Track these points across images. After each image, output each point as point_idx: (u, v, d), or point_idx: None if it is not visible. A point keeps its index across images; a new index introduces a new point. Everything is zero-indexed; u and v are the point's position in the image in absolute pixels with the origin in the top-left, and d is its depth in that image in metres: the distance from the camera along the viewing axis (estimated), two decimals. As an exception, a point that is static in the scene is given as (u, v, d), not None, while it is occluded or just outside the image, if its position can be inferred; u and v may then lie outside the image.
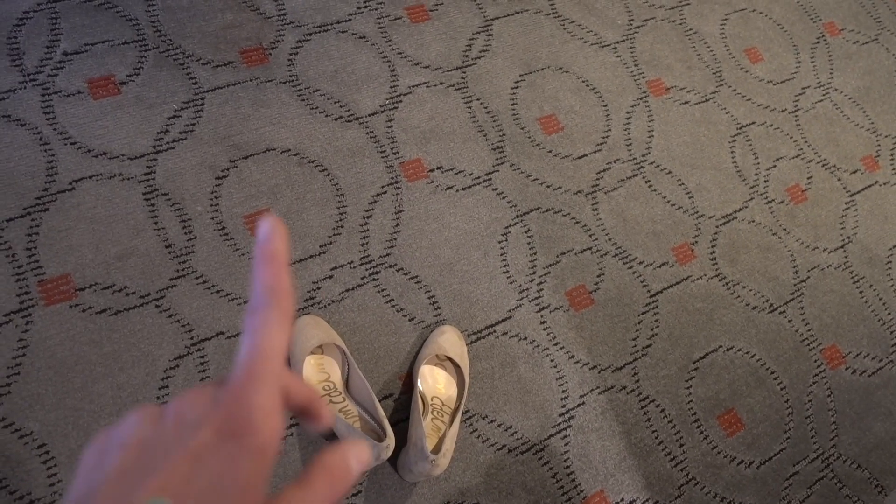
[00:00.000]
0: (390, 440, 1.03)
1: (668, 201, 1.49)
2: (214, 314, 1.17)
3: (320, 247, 1.26)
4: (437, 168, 1.38)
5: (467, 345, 1.26)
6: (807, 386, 1.41)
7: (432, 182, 1.37)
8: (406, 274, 1.28)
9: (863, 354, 1.47)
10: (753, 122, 1.64)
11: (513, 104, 1.48)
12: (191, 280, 1.18)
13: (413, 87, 1.44)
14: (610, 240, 1.42)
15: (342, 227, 1.29)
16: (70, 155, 1.20)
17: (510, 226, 1.37)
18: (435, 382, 1.20)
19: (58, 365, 1.08)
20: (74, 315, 1.11)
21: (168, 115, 1.28)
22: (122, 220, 1.19)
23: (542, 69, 1.54)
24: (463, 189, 1.38)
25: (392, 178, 1.35)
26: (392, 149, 1.37)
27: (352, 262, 1.27)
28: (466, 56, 1.50)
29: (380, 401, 1.19)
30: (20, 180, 1.17)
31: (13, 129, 1.19)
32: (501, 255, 1.35)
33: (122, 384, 1.09)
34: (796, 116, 1.69)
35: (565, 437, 1.25)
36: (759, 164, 1.60)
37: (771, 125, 1.65)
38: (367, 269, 1.27)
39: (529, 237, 1.37)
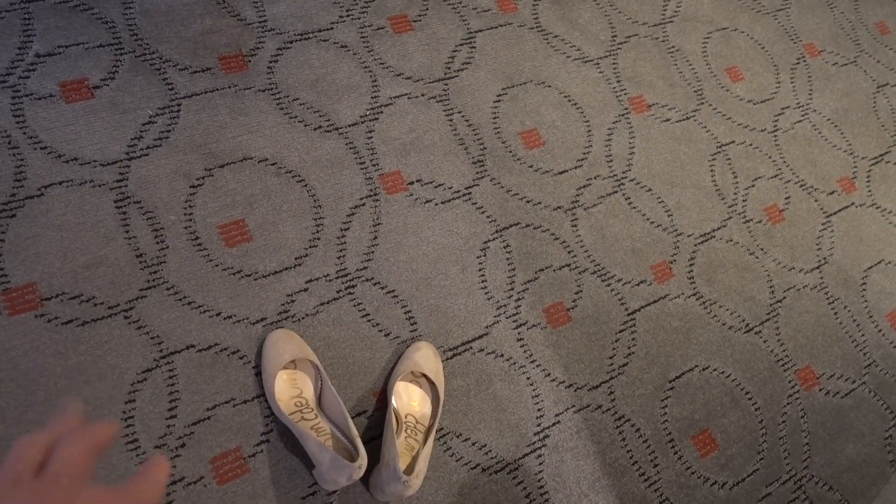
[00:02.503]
0: (363, 460, 1.01)
1: (648, 219, 1.49)
2: (185, 326, 1.14)
3: (296, 259, 1.24)
4: (417, 181, 1.37)
5: (443, 361, 1.25)
6: (781, 407, 1.41)
7: (411, 195, 1.35)
8: (383, 288, 1.27)
9: (836, 376, 1.48)
10: (733, 142, 1.64)
11: (494, 118, 1.47)
12: (161, 291, 1.15)
13: (394, 98, 1.42)
14: (589, 257, 1.41)
15: (319, 239, 1.27)
16: (39, 160, 1.17)
17: (489, 241, 1.36)
18: (409, 399, 1.18)
19: (20, 377, 1.05)
20: (39, 325, 1.08)
21: (143, 120, 1.25)
22: (92, 228, 1.16)
23: (525, 83, 1.53)
24: (442, 203, 1.36)
25: (371, 190, 1.33)
26: (371, 160, 1.35)
27: (327, 275, 1.25)
28: (449, 68, 1.49)
29: (353, 417, 1.17)
30: (-14, 185, 1.13)
31: (-19, 132, 1.16)
32: (480, 270, 1.33)
33: (88, 398, 1.06)
34: (775, 136, 1.70)
35: (540, 456, 1.23)
36: (737, 183, 1.60)
37: (750, 145, 1.66)
38: (343, 283, 1.25)
39: (508, 253, 1.36)
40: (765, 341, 1.46)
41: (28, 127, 1.19)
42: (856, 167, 1.74)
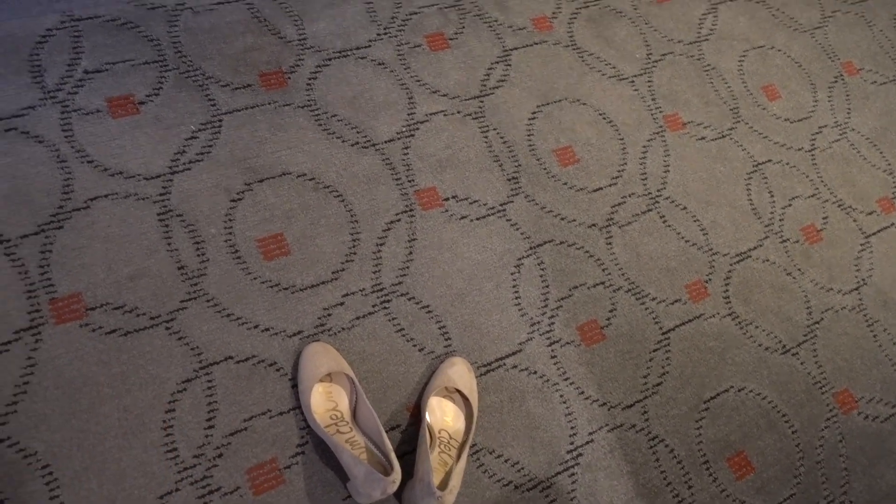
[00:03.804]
0: (396, 475, 1.02)
1: (683, 237, 1.48)
2: (224, 338, 1.16)
3: (332, 273, 1.25)
4: (452, 197, 1.38)
5: (476, 377, 1.25)
6: (818, 430, 1.39)
7: (447, 211, 1.36)
8: (417, 303, 1.28)
9: (875, 399, 1.45)
10: (770, 160, 1.63)
11: (529, 135, 1.48)
12: (202, 303, 1.17)
13: (430, 114, 1.44)
14: (623, 275, 1.41)
15: (355, 253, 1.28)
16: (86, 173, 1.21)
17: (523, 258, 1.37)
18: (443, 415, 1.19)
19: (65, 385, 1.07)
20: (84, 335, 1.11)
21: (185, 136, 1.28)
22: (136, 241, 1.18)
23: (560, 101, 1.54)
24: (477, 219, 1.37)
25: (406, 205, 1.34)
26: (407, 176, 1.37)
27: (363, 289, 1.26)
28: (484, 85, 1.50)
29: (387, 431, 1.17)
30: (36, 197, 1.17)
31: (31, 146, 1.19)
32: (514, 286, 1.34)
33: (129, 406, 1.09)
34: (813, 155, 1.68)
35: (573, 474, 1.23)
36: (774, 202, 1.59)
37: (787, 163, 1.64)
38: (378, 297, 1.26)
39: (542, 270, 1.37)
40: (802, 363, 1.44)
41: (76, 141, 1.22)
42: (895, 187, 1.71)
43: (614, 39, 1.65)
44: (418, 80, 1.46)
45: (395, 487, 1.01)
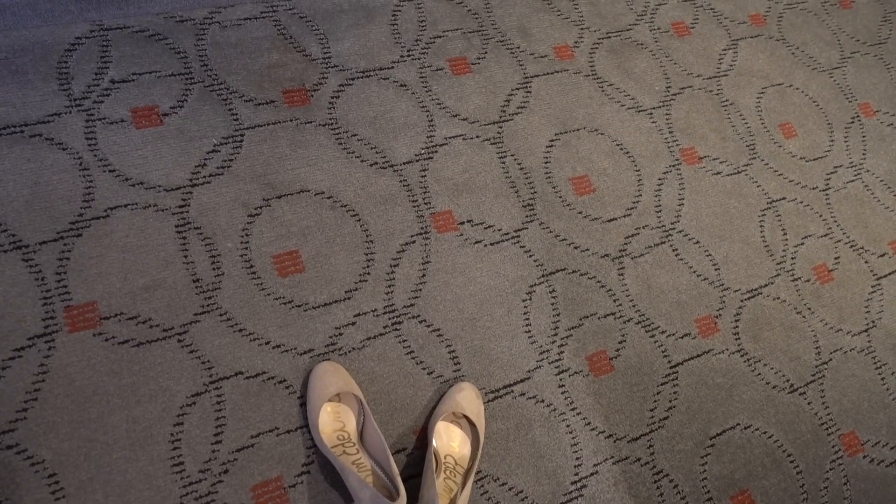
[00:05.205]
0: (402, 500, 1.01)
1: (694, 271, 1.48)
2: (235, 353, 1.17)
3: (345, 292, 1.26)
4: (468, 221, 1.38)
5: (484, 403, 1.25)
6: (823, 472, 1.39)
7: (461, 235, 1.37)
8: (428, 326, 1.28)
9: (882, 443, 1.45)
10: (784, 198, 1.64)
11: (546, 162, 1.49)
12: (215, 317, 1.18)
13: (449, 138, 1.45)
14: (634, 306, 1.41)
15: (369, 273, 1.29)
16: (107, 182, 1.22)
17: (535, 285, 1.37)
18: (450, 440, 1.19)
19: (76, 393, 1.08)
20: (97, 344, 1.11)
21: (207, 149, 1.29)
22: (153, 252, 1.19)
23: (578, 130, 1.55)
24: (491, 244, 1.38)
25: (422, 228, 1.35)
26: (424, 199, 1.37)
27: (375, 310, 1.26)
28: (504, 111, 1.51)
29: (393, 454, 1.17)
30: (56, 204, 1.18)
31: (55, 153, 1.21)
32: (524, 314, 1.34)
33: (138, 418, 1.09)
34: (827, 195, 1.68)
35: (576, 506, 1.23)
36: (787, 240, 1.59)
37: (801, 202, 1.65)
38: (389, 319, 1.27)
39: (554, 298, 1.37)
40: (809, 403, 1.44)
41: (99, 150, 1.23)
42: (908, 230, 1.71)
43: (634, 71, 1.67)
44: (439, 104, 1.47)
45: (399, 513, 1.01)
